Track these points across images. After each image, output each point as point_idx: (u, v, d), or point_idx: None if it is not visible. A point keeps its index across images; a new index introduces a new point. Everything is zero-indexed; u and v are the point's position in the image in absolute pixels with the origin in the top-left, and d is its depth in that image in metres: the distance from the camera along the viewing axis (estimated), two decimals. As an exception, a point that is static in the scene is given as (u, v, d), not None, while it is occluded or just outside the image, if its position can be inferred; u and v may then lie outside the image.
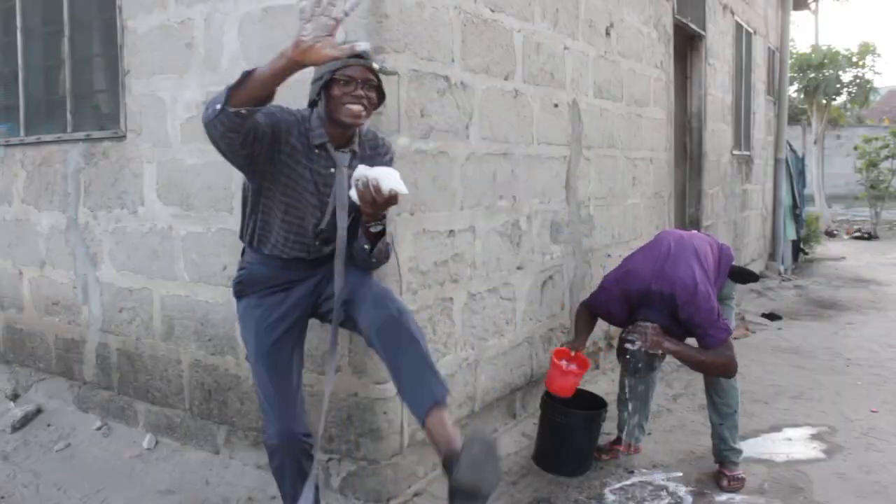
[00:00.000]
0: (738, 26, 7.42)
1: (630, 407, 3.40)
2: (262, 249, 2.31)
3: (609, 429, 3.67)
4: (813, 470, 3.32)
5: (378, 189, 2.00)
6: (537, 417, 3.59)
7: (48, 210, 3.84)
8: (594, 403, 3.33)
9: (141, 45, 3.34)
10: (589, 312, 3.29)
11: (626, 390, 3.39)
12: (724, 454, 3.22)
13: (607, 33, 4.41)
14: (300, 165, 2.21)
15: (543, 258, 3.81)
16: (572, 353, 3.11)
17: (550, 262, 3.88)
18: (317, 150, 2.22)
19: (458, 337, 3.15)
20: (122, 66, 3.43)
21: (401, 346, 2.13)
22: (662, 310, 2.97)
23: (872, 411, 4.10)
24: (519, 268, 3.59)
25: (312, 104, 2.26)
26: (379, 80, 2.22)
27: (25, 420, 3.76)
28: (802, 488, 3.13)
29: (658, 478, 3.25)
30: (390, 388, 2.77)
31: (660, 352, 2.91)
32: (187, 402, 3.34)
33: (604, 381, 4.30)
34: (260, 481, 2.99)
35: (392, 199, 2.02)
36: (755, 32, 8.10)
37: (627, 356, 2.94)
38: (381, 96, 2.26)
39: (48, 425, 3.71)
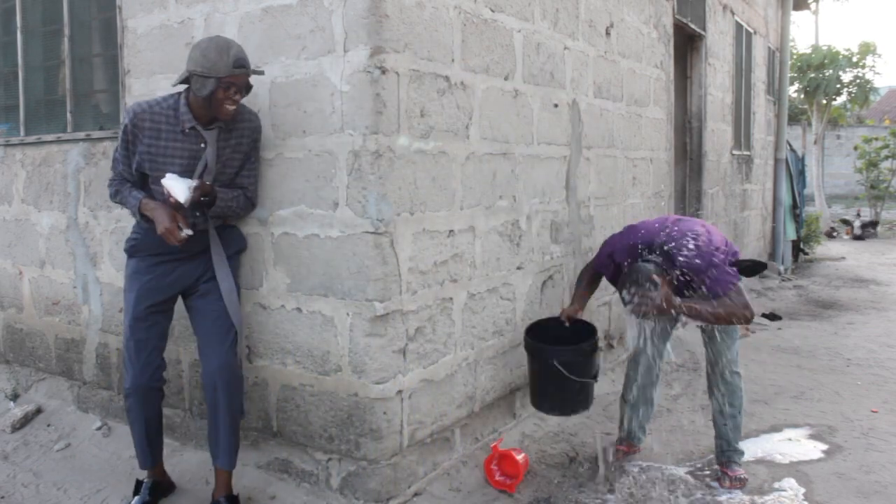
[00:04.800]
0: (738, 26, 7.41)
1: (632, 407, 3.40)
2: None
3: (610, 429, 3.68)
4: (813, 470, 3.32)
5: (169, 195, 2.61)
6: (538, 417, 3.61)
7: (48, 210, 3.84)
8: (585, 332, 3.29)
9: (141, 45, 3.34)
10: (592, 273, 3.36)
11: (630, 390, 3.39)
12: (726, 454, 3.23)
13: (607, 33, 4.41)
14: (169, 149, 2.71)
15: (543, 258, 3.81)
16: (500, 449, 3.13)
17: (550, 262, 3.88)
18: (188, 132, 2.71)
19: (458, 337, 3.15)
20: (122, 65, 3.44)
21: (217, 408, 2.77)
22: (663, 265, 2.93)
23: (872, 411, 4.10)
24: (519, 268, 3.59)
25: (185, 81, 2.66)
26: (249, 83, 2.69)
27: (25, 420, 3.76)
28: (802, 488, 3.13)
29: (658, 478, 3.25)
30: (390, 387, 2.77)
31: (674, 312, 2.87)
32: (187, 402, 3.34)
33: (604, 382, 4.30)
34: (260, 481, 3.00)
35: (177, 203, 2.61)
36: (755, 32, 8.10)
37: (638, 318, 2.92)
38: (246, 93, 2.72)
39: (48, 425, 3.71)
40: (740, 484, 3.13)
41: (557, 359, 3.11)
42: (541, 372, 3.20)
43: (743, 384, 3.27)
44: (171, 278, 2.83)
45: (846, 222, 14.37)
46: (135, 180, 2.80)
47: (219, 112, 2.65)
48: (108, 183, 2.89)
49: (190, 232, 2.67)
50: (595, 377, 3.23)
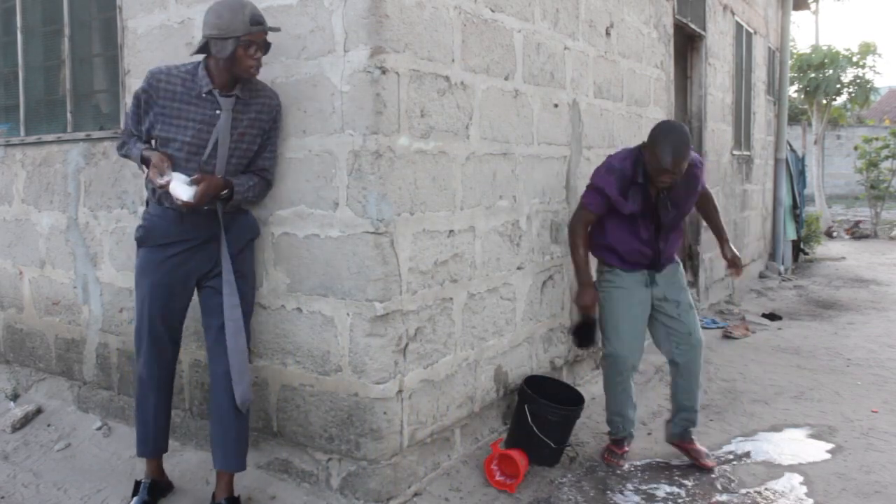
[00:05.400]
0: (738, 26, 7.41)
1: (617, 413, 3.44)
2: (164, 202, 2.72)
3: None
4: (813, 470, 3.32)
5: (178, 198, 2.56)
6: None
7: (48, 210, 3.84)
8: (573, 398, 3.45)
9: (141, 45, 3.34)
10: (585, 225, 3.34)
11: (612, 400, 3.45)
12: (690, 431, 3.44)
13: (607, 33, 4.41)
14: (184, 111, 2.66)
15: (543, 258, 3.81)
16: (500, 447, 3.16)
17: (550, 262, 3.88)
18: (204, 96, 2.66)
19: (458, 337, 3.15)
20: (122, 65, 3.44)
21: (221, 411, 2.73)
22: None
23: (872, 411, 4.10)
24: (519, 268, 3.59)
25: (202, 51, 2.66)
26: (267, 41, 2.68)
27: (25, 420, 3.76)
28: (802, 488, 3.13)
29: (658, 477, 3.25)
30: (390, 388, 2.77)
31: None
32: (187, 402, 3.34)
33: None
34: (260, 481, 3.00)
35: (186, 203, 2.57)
36: (755, 32, 8.10)
37: None
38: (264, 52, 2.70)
39: (48, 425, 3.71)
40: (715, 460, 3.38)
41: (536, 411, 3.20)
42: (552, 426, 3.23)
43: None
44: (183, 271, 2.74)
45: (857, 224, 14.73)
46: (143, 138, 2.77)
47: (242, 71, 2.62)
48: (119, 144, 2.87)
49: (170, 178, 2.57)
50: (560, 443, 3.28)
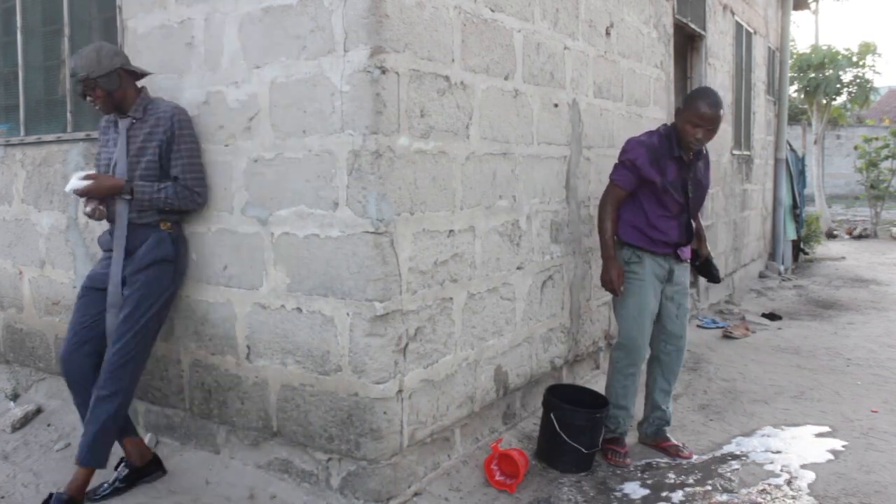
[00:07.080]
0: (738, 26, 7.41)
1: (625, 409, 3.46)
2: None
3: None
4: (813, 469, 3.32)
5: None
6: (537, 417, 3.61)
7: (48, 210, 3.84)
8: (596, 402, 3.46)
9: (141, 45, 3.34)
10: (616, 203, 3.42)
11: (626, 397, 3.47)
12: (664, 430, 3.55)
13: (607, 33, 4.41)
14: (104, 137, 3.10)
15: (543, 258, 3.81)
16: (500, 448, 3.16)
17: (550, 262, 3.88)
18: (112, 122, 3.07)
19: (458, 337, 3.15)
20: (122, 65, 3.44)
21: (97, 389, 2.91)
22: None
23: (872, 411, 4.10)
24: (519, 268, 3.59)
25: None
26: (97, 83, 2.91)
27: (25, 420, 3.76)
28: (802, 488, 3.14)
29: (658, 477, 3.26)
30: (390, 387, 2.77)
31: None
32: (187, 401, 3.34)
33: (604, 381, 4.30)
34: (260, 481, 3.00)
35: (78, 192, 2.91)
36: (755, 32, 8.10)
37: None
38: (104, 91, 2.94)
39: (48, 425, 3.71)
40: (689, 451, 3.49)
41: (562, 418, 3.26)
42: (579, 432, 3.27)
43: None
44: (104, 278, 2.99)
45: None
46: None
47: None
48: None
49: (89, 209, 2.93)
50: (590, 448, 3.31)
